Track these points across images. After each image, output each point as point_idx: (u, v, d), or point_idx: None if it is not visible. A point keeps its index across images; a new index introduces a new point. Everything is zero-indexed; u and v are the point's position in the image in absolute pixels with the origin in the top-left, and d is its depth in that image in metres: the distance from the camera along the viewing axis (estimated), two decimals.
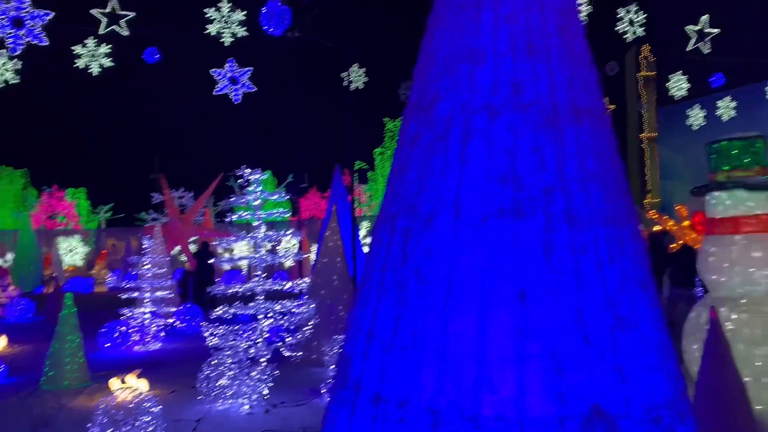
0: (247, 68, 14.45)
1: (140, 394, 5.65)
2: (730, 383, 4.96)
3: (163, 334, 11.35)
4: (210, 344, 7.24)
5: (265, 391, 7.02)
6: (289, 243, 21.61)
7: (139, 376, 5.81)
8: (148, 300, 11.84)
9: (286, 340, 7.73)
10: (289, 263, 22.03)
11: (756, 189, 6.67)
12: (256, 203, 7.47)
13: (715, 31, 11.98)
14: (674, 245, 7.86)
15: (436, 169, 2.64)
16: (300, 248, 16.10)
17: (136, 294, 12.00)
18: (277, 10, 11.23)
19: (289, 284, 7.76)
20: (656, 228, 7.96)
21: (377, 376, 2.57)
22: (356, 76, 15.60)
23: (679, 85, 16.01)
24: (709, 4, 13.52)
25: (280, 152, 27.18)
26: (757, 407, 6.47)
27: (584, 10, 10.81)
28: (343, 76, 15.82)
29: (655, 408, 2.32)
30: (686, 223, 7.47)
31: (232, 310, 7.15)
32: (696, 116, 19.77)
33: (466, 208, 2.53)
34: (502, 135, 2.55)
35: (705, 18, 11.85)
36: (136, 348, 10.59)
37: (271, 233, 7.63)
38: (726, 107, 18.30)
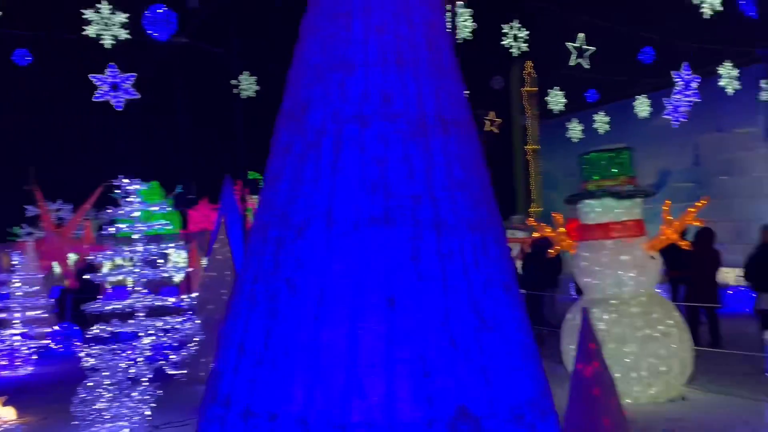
0: (130, 74, 13.77)
1: (5, 423, 5.19)
2: (600, 379, 5.26)
3: (35, 356, 10.54)
4: (86, 365, 6.79)
5: (148, 412, 6.68)
6: (178, 257, 20.80)
7: (5, 404, 5.34)
8: (17, 321, 10.94)
9: (170, 357, 7.40)
10: (178, 278, 21.21)
11: (622, 197, 7.17)
12: (134, 215, 7.13)
13: (592, 48, 12.83)
14: (551, 251, 8.29)
15: (308, 178, 2.64)
16: (189, 262, 15.46)
17: (4, 315, 11.06)
18: (161, 14, 10.83)
19: (173, 299, 7.44)
20: (535, 234, 8.40)
21: (247, 391, 2.51)
22: (247, 84, 15.32)
23: (557, 99, 17.02)
24: (583, 23, 14.47)
25: (167, 162, 26.15)
26: (626, 401, 6.95)
27: (469, 26, 11.27)
28: (234, 83, 15.48)
29: (518, 407, 2.43)
30: (562, 229, 7.90)
31: (109, 328, 6.76)
32: (574, 129, 21.03)
33: (338, 216, 2.54)
34: (373, 144, 2.59)
35: (582, 36, 12.67)
36: (4, 373, 9.76)
37: (151, 247, 7.30)
38: (601, 121, 19.59)
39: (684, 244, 7.26)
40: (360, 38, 2.70)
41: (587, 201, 7.41)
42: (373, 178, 2.56)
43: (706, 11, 9.96)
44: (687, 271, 12.09)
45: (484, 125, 19.68)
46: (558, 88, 17.01)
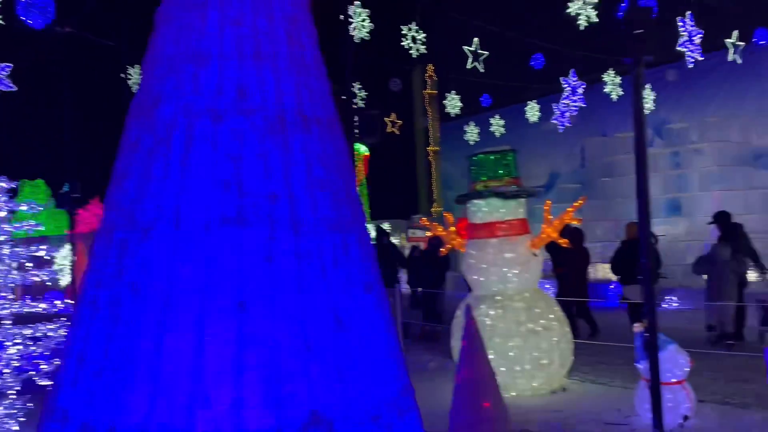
0: (6, 64, 12.77)
1: None
2: (483, 374, 5.40)
3: None
4: None
5: (15, 427, 6.19)
6: (64, 260, 19.56)
7: None
8: None
9: (42, 367, 6.90)
10: (65, 281, 20.02)
11: (507, 197, 7.41)
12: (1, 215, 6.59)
13: (486, 53, 13.20)
14: (443, 249, 8.45)
15: (156, 176, 2.49)
16: (76, 264, 14.53)
17: None
18: (37, 0, 10.09)
19: (44, 306, 6.94)
20: (428, 234, 8.55)
21: (86, 404, 2.33)
22: (138, 77, 14.59)
23: (453, 103, 17.43)
24: (478, 28, 14.89)
25: (54, 160, 24.55)
26: (512, 393, 7.19)
27: (367, 26, 11.29)
28: (123, 76, 14.69)
29: (375, 407, 2.41)
30: (452, 228, 8.06)
31: None
32: (472, 132, 21.63)
33: (187, 216, 2.41)
34: (227, 140, 2.48)
35: (476, 40, 13.00)
36: None
37: (19, 249, 6.77)
38: (497, 124, 20.25)
39: (563, 242, 7.60)
40: (215, 30, 2.58)
41: (475, 201, 7.60)
42: (226, 175, 2.45)
43: (582, 22, 10.50)
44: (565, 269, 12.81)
45: (386, 126, 19.85)
46: (455, 92, 17.43)
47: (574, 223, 7.41)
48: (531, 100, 18.91)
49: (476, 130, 21.47)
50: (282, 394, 2.27)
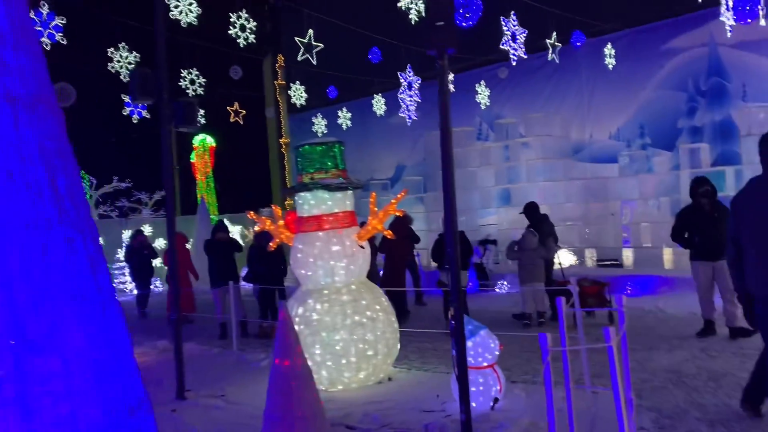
0: None
1: None
2: (297, 372, 5.26)
3: None
4: None
5: None
6: None
7: None
8: None
9: None
10: None
11: (334, 190, 7.34)
12: None
13: (320, 45, 13.11)
14: (272, 244, 8.22)
15: None
16: None
17: None
18: None
19: None
20: (257, 228, 8.28)
21: None
22: None
23: (298, 94, 17.23)
24: (319, 20, 14.78)
25: None
26: (338, 387, 7.16)
27: (194, 10, 10.72)
28: None
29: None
30: (281, 222, 7.86)
31: None
32: (319, 124, 21.54)
33: None
34: None
35: (311, 32, 12.89)
36: None
37: None
38: (345, 117, 20.33)
39: (387, 234, 7.69)
40: None
41: (302, 193, 7.45)
42: None
43: (413, 17, 10.77)
44: (410, 257, 13.25)
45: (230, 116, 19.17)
46: (299, 82, 17.21)
47: (398, 214, 7.50)
48: (377, 94, 19.18)
49: (324, 122, 21.43)
50: None
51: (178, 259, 12.12)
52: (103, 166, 27.12)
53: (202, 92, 15.07)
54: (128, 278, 20.31)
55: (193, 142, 25.25)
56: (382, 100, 19.04)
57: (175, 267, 7.19)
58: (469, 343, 5.97)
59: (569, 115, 17.00)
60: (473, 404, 5.75)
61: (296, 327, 7.35)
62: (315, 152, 7.48)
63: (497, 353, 6.15)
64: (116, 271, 21.16)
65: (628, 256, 14.59)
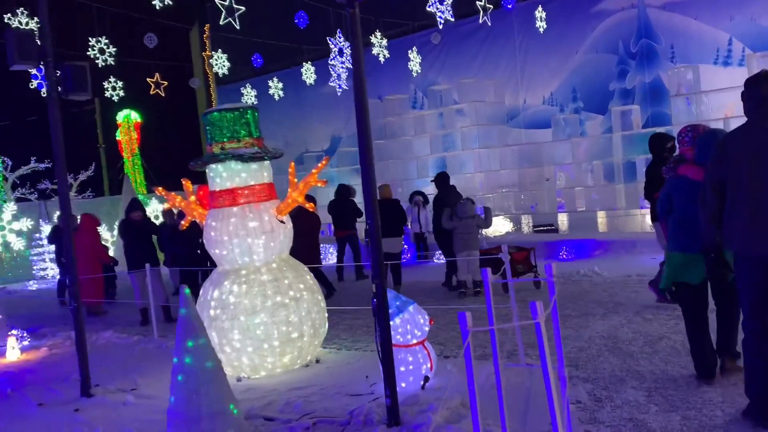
0: None
1: None
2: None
3: None
4: None
5: None
6: None
7: None
8: None
9: None
10: None
11: (247, 160, 6.71)
12: None
13: (241, 8, 12.27)
14: (184, 222, 7.55)
15: None
16: None
17: None
18: None
19: None
20: (166, 206, 7.59)
21: None
22: None
23: (220, 63, 16.28)
24: None
25: None
26: (261, 374, 6.63)
27: None
28: None
29: None
30: (192, 198, 7.19)
31: None
32: (249, 95, 20.59)
33: None
34: None
35: None
36: None
37: None
38: (276, 87, 19.46)
39: (309, 207, 7.14)
40: None
41: (212, 165, 6.80)
42: None
43: None
44: (351, 231, 12.78)
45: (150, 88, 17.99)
46: (221, 50, 16.26)
47: (319, 184, 6.95)
48: (306, 62, 18.38)
49: (253, 93, 20.48)
50: None
51: (87, 243, 11.36)
52: (20, 146, 25.34)
53: (113, 62, 13.97)
54: (50, 264, 19.09)
55: (117, 118, 23.85)
56: (312, 68, 18.26)
57: (71, 251, 6.45)
58: (396, 321, 5.56)
59: (503, 80, 16.71)
60: (402, 384, 5.37)
61: (212, 311, 6.78)
62: (225, 119, 6.81)
63: (427, 329, 5.75)
64: (35, 257, 19.86)
65: (563, 221, 14.52)
